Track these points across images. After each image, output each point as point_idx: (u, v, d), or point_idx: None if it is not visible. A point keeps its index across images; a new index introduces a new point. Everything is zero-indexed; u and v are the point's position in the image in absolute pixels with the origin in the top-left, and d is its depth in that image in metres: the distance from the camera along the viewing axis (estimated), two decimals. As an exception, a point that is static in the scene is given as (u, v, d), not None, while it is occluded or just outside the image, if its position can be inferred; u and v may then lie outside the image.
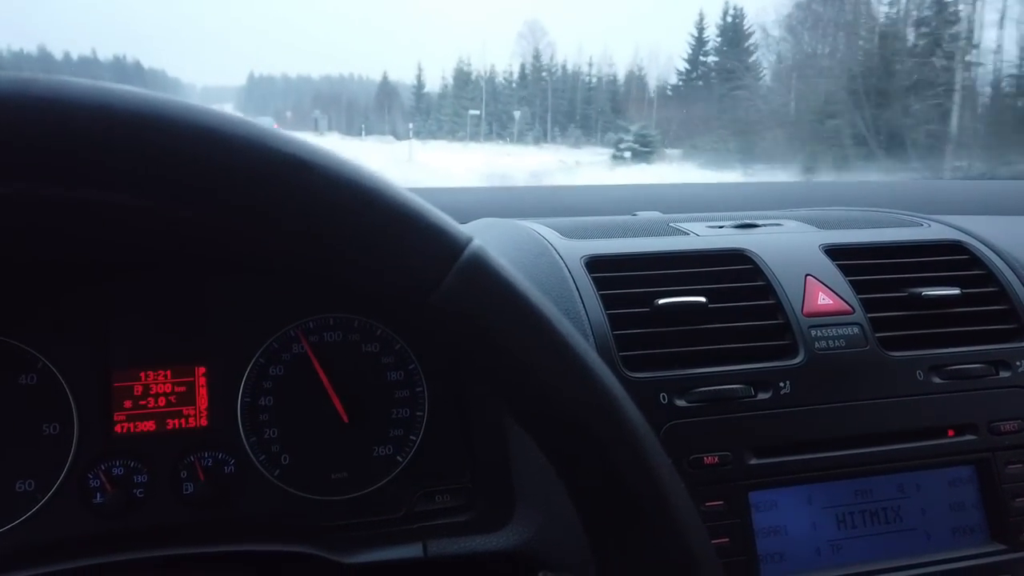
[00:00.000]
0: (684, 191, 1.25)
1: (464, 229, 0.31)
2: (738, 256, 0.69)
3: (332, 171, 0.29)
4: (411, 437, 0.72)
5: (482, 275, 0.30)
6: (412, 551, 0.56)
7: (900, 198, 1.18)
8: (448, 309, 0.29)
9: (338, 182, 0.29)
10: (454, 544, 0.56)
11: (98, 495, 0.66)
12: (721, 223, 0.77)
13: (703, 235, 0.73)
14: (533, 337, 0.30)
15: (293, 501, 0.69)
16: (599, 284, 0.65)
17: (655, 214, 0.93)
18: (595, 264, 0.67)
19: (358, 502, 0.70)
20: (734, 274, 0.68)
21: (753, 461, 0.60)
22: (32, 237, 0.56)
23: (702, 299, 0.64)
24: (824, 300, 0.66)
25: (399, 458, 0.72)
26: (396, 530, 0.62)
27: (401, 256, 0.29)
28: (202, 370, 0.70)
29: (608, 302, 0.64)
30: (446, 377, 0.73)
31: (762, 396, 0.62)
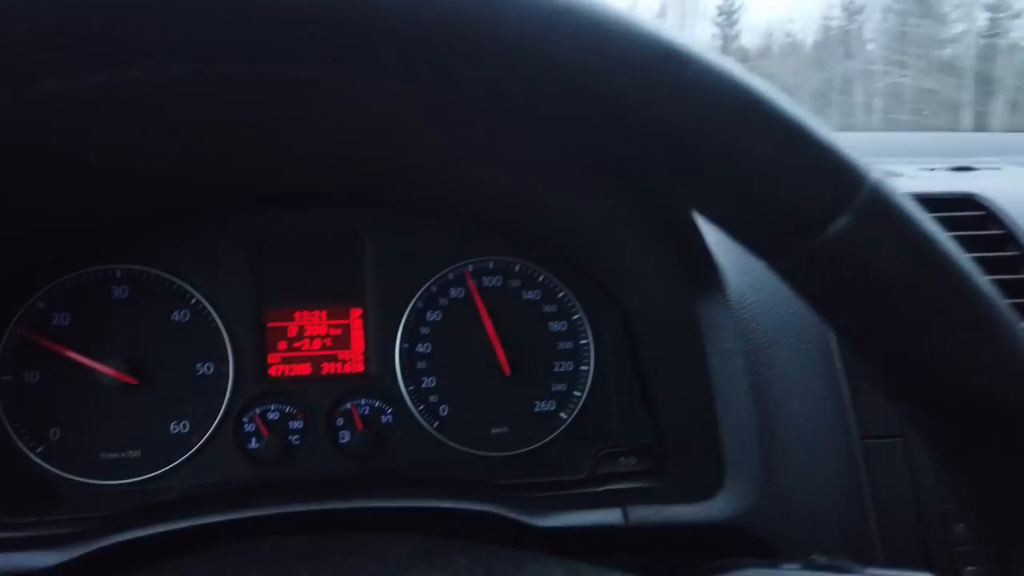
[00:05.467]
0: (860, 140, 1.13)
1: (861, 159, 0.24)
2: (966, 201, 0.60)
3: (712, 71, 0.21)
4: (575, 393, 0.66)
5: (883, 216, 0.22)
6: (611, 516, 0.50)
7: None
8: (834, 254, 0.22)
9: (719, 85, 0.22)
10: (657, 513, 0.50)
11: (253, 440, 0.62)
12: (932, 166, 0.68)
13: (916, 177, 0.64)
14: (942, 292, 0.23)
15: (452, 455, 0.64)
16: None
17: None
18: None
19: (524, 459, 0.65)
20: (963, 221, 0.59)
21: None
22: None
23: None
24: (1074, 253, 0.57)
25: (563, 415, 0.66)
26: (581, 493, 0.56)
27: (788, 186, 0.22)
28: (358, 312, 0.65)
29: None
30: (616, 331, 0.66)
31: None
